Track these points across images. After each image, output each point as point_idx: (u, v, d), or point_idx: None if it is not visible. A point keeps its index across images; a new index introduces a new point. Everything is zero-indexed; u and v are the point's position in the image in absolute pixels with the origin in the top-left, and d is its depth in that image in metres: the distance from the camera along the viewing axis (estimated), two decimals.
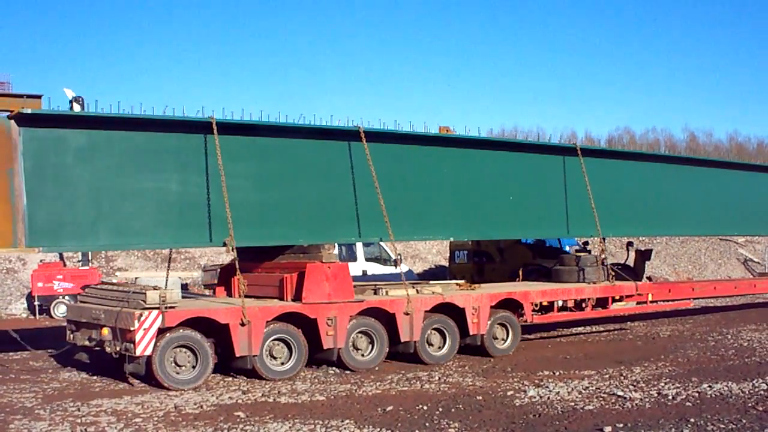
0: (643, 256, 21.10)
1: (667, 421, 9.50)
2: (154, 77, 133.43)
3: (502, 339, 15.58)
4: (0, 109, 11.87)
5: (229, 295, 14.74)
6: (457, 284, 16.11)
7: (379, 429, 9.33)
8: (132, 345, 11.52)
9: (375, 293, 14.64)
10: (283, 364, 12.91)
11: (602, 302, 17.22)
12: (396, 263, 21.81)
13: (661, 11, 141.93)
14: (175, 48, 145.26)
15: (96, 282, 24.60)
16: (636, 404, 10.62)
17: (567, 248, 22.35)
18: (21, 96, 12.00)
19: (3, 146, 11.82)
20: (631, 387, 11.83)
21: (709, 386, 11.70)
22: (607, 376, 12.91)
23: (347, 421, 9.74)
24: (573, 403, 10.69)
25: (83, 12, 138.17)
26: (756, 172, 23.26)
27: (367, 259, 22.90)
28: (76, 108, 27.82)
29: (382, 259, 22.83)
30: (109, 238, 12.60)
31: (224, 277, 15.22)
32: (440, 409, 10.45)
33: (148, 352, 11.56)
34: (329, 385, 12.26)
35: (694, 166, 21.25)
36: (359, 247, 22.46)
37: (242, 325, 12.32)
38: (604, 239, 18.00)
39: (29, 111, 11.68)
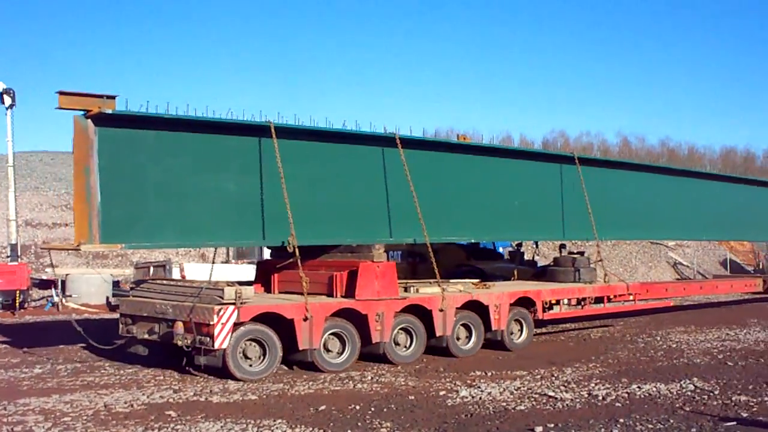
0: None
1: (597, 421, 9.78)
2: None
3: (517, 334, 16.87)
4: (76, 108, 12.31)
5: (267, 291, 15.50)
6: (473, 283, 17.29)
7: (311, 429, 9.46)
8: (209, 338, 12.25)
9: (405, 290, 15.65)
10: (337, 356, 13.82)
11: (599, 301, 18.77)
12: None
13: (595, 16, 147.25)
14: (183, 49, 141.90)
15: (25, 277, 24.72)
16: (567, 405, 10.89)
17: (500, 250, 23.75)
18: (95, 96, 12.36)
19: (81, 145, 12.37)
20: (562, 387, 12.12)
21: (639, 387, 12.10)
22: (538, 376, 13.24)
23: (279, 420, 9.84)
24: (505, 404, 10.93)
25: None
26: (735, 184, 25.57)
27: None
28: (7, 100, 27.63)
29: None
30: (175, 236, 13.31)
31: (261, 273, 15.97)
32: (373, 409, 10.59)
33: (225, 345, 12.32)
34: (261, 384, 12.38)
35: (680, 176, 23.26)
36: None
37: (305, 320, 13.18)
38: (599, 242, 19.53)
39: (109, 111, 12.23)
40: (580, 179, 19.04)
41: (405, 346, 14.86)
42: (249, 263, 23.02)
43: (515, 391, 11.81)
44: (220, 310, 12.27)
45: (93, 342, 13.99)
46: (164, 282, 14.60)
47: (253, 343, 12.87)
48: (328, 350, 13.73)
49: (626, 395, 11.50)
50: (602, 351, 16.32)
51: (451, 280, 16.81)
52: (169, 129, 13.08)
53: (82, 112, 12.29)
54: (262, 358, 12.94)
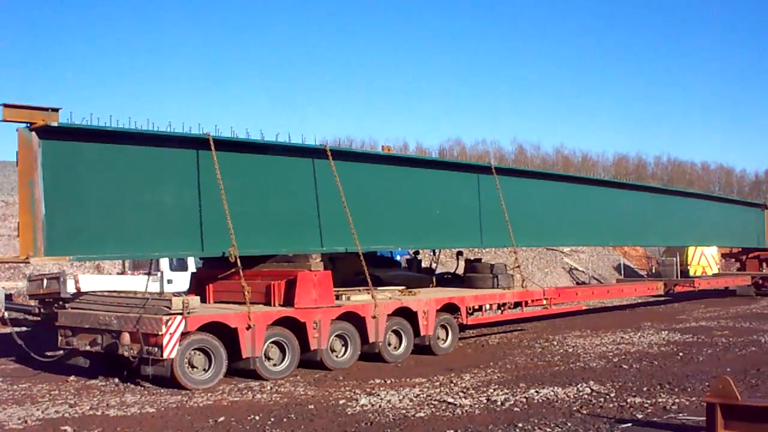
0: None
1: (496, 426, 10.01)
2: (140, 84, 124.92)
3: (443, 339, 17.81)
4: (20, 121, 12.48)
5: (202, 301, 15.84)
6: (399, 290, 18.13)
7: None
8: (157, 348, 12.62)
9: (337, 298, 16.32)
10: (276, 365, 14.38)
11: (518, 305, 19.96)
12: None
13: (486, 24, 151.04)
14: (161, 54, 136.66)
15: None
16: (466, 411, 11.08)
17: (398, 258, 24.77)
18: (39, 108, 12.53)
19: (25, 157, 12.56)
20: (461, 394, 12.34)
21: (536, 391, 12.36)
22: (437, 383, 13.46)
23: None
24: (404, 411, 11.08)
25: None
26: (635, 191, 27.47)
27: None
28: None
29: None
30: (117, 247, 13.63)
31: (195, 284, 16.35)
32: (272, 419, 10.67)
33: (173, 355, 12.71)
34: (159, 397, 12.43)
35: (588, 185, 24.83)
36: (191, 258, 22.92)
37: (248, 328, 13.70)
38: (515, 250, 20.73)
39: (55, 124, 12.48)
40: (496, 188, 20.16)
41: (340, 353, 15.54)
42: (144, 274, 23.39)
43: (414, 398, 12.01)
44: (168, 320, 12.65)
45: (34, 355, 14.05)
46: (105, 294, 14.79)
47: (199, 353, 13.29)
48: (269, 358, 14.27)
49: (524, 400, 11.78)
50: (500, 357, 16.83)
51: (379, 288, 17.58)
52: (110, 141, 13.37)
53: (25, 125, 12.48)
54: (207, 366, 13.37)
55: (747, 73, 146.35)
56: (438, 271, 23.85)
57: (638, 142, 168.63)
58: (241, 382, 13.61)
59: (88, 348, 13.82)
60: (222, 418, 10.75)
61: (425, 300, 17.32)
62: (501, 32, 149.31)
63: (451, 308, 18.06)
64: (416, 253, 24.01)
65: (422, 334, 17.01)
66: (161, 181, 14.03)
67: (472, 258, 23.51)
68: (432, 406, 11.49)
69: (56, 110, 12.69)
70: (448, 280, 21.98)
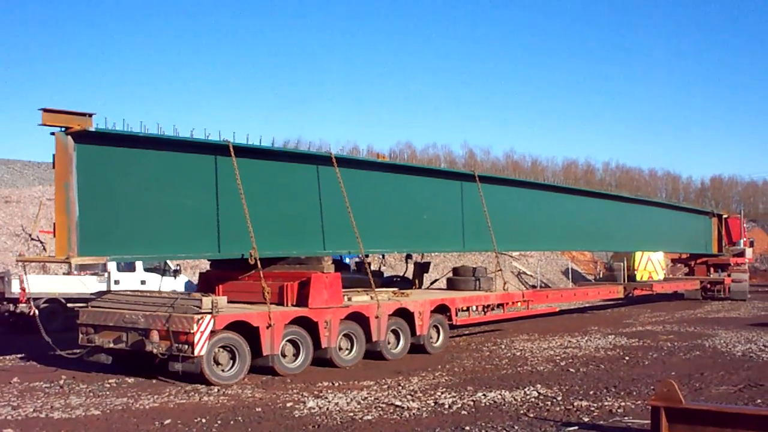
0: (422, 268, 23.30)
1: (443, 429, 10.26)
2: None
3: (435, 339, 18.97)
4: (57, 125, 13.18)
5: None
6: (392, 292, 19.22)
7: None
8: (188, 346, 13.45)
9: None
10: (293, 361, 15.33)
11: (501, 306, 21.30)
12: (175, 274, 24.37)
13: (435, 29, 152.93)
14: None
15: None
16: (413, 413, 11.31)
17: (347, 261, 25.74)
18: (76, 113, 13.23)
19: (62, 161, 13.28)
20: (408, 397, 12.60)
21: (484, 395, 12.64)
22: (385, 386, 13.71)
23: None
24: (352, 414, 11.26)
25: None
26: (604, 200, 29.11)
27: (146, 270, 24.59)
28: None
29: (161, 270, 24.50)
30: (143, 248, 14.45)
31: (204, 284, 17.16)
32: (219, 422, 10.80)
33: (203, 353, 13.56)
34: (105, 399, 12.53)
35: (567, 194, 26.41)
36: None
37: (268, 327, 14.62)
38: (497, 254, 22.05)
39: (92, 129, 13.21)
40: (479, 195, 21.43)
41: (347, 351, 16.56)
42: (92, 275, 24.07)
43: (362, 401, 12.20)
44: (199, 318, 13.50)
45: (60, 351, 14.70)
46: (129, 293, 15.52)
47: (223, 350, 14.16)
48: (284, 355, 15.20)
49: (472, 403, 12.02)
50: (448, 360, 17.28)
51: (377, 289, 18.63)
52: (138, 146, 14.16)
53: (62, 129, 13.20)
54: (231, 363, 14.24)
55: (693, 82, 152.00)
56: (387, 275, 24.81)
57: (587, 148, 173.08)
58: (188, 385, 13.82)
59: (111, 345, 14.54)
60: (168, 421, 10.91)
61: (421, 301, 18.47)
62: (450, 36, 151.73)
63: (443, 309, 19.24)
64: (366, 256, 25.01)
65: (418, 333, 18.14)
66: (183, 184, 14.86)
67: (421, 261, 24.27)
68: (380, 409, 11.70)
69: (90, 115, 13.42)
70: (396, 282, 22.80)
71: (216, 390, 13.36)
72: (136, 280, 24.06)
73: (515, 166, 73.11)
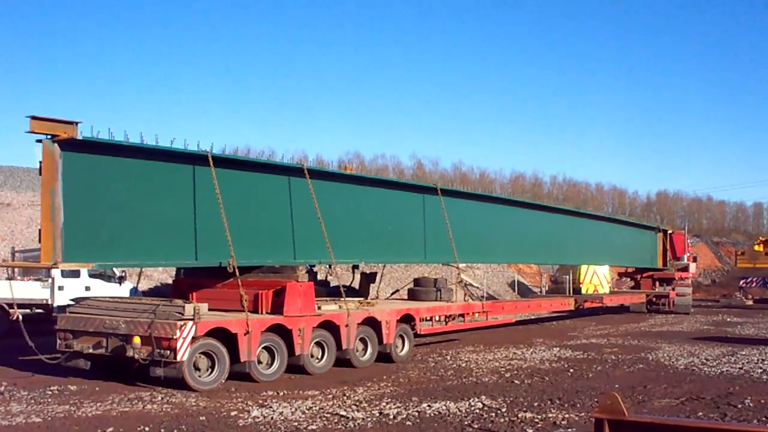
0: (368, 278, 23.20)
1: None
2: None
3: (400, 348, 19.67)
4: (45, 133, 13.56)
5: None
6: (359, 301, 19.87)
7: None
8: (170, 351, 13.91)
9: None
10: (268, 368, 15.85)
11: (461, 317, 22.11)
12: (120, 280, 24.77)
13: (387, 41, 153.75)
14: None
15: None
16: (358, 424, 11.38)
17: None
18: (63, 121, 13.60)
19: (48, 168, 13.65)
20: (353, 407, 12.67)
21: (429, 405, 12.76)
22: (330, 396, 13.85)
23: None
24: (296, 423, 11.32)
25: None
26: (556, 214, 30.28)
27: (91, 276, 24.56)
28: None
29: (106, 276, 24.71)
30: (124, 255, 14.88)
31: (176, 292, 17.57)
32: (162, 430, 10.87)
33: (185, 358, 14.03)
34: (47, 406, 12.53)
35: (522, 208, 27.43)
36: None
37: (245, 334, 15.14)
38: (465, 266, 22.86)
39: (80, 137, 13.62)
40: (440, 208, 22.23)
41: (318, 358, 17.14)
42: (36, 280, 24.20)
43: (307, 411, 12.30)
44: (182, 325, 13.97)
45: (41, 356, 14.99)
46: (108, 299, 15.87)
47: (203, 356, 14.63)
48: (260, 362, 15.72)
49: (417, 414, 12.14)
50: (393, 370, 17.47)
51: (341, 298, 19.25)
52: (121, 155, 14.62)
53: (48, 137, 13.57)
54: (210, 369, 14.72)
55: (639, 97, 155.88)
56: (333, 284, 25.32)
57: (535, 161, 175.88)
58: (132, 392, 13.99)
59: (91, 351, 14.88)
60: (110, 429, 10.96)
61: (388, 310, 19.16)
62: (399, 47, 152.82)
63: (408, 319, 19.95)
64: (312, 266, 25.55)
65: (385, 342, 18.82)
66: (163, 193, 15.35)
67: (368, 272, 24.15)
68: (324, 418, 11.80)
69: (76, 123, 13.82)
70: (344, 292, 23.03)
71: (160, 398, 13.51)
72: (81, 286, 24.06)
73: (463, 178, 74.28)
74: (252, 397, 13.74)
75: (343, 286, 24.29)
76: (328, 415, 12.00)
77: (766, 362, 18.99)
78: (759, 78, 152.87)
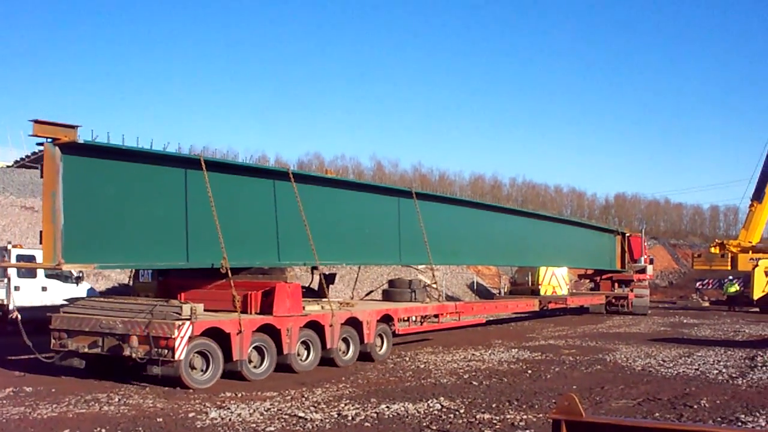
0: (327, 279, 23.74)
1: None
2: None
3: (380, 347, 20.45)
4: (46, 136, 14.04)
5: None
6: (339, 303, 20.59)
7: None
8: (168, 351, 14.49)
9: None
10: (257, 367, 16.49)
11: (436, 317, 22.99)
12: (77, 281, 25.21)
13: (347, 42, 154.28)
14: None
15: None
16: (317, 425, 11.51)
17: None
18: (64, 125, 14.08)
19: (50, 170, 14.14)
20: (312, 408, 12.82)
21: (387, 407, 12.88)
22: (289, 397, 13.98)
23: None
24: (255, 425, 11.42)
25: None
26: (523, 217, 31.41)
27: (48, 276, 24.95)
28: None
29: (63, 276, 25.02)
30: (122, 257, 15.43)
31: (163, 292, 18.07)
32: None
33: (182, 357, 14.62)
34: (1, 408, 12.54)
35: (489, 211, 28.40)
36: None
37: (238, 333, 15.78)
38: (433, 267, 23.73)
39: (81, 141, 14.15)
40: (415, 211, 23.06)
41: (304, 358, 17.84)
42: None
43: (265, 412, 12.42)
44: (180, 324, 14.57)
45: (38, 354, 15.43)
46: (102, 300, 16.36)
47: (198, 355, 15.24)
48: (250, 361, 16.36)
49: (375, 415, 12.27)
50: (352, 371, 17.74)
51: (323, 299, 19.96)
52: (119, 158, 15.14)
53: (50, 140, 14.07)
54: (205, 368, 15.33)
55: (597, 100, 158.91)
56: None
57: (495, 163, 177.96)
58: (88, 394, 14.01)
59: (86, 350, 15.37)
60: (66, 431, 11.05)
61: (369, 311, 19.92)
62: (357, 47, 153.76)
63: (386, 319, 20.74)
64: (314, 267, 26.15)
65: (366, 342, 19.58)
66: (158, 195, 15.94)
67: (327, 273, 24.11)
68: (282, 420, 11.91)
69: (75, 127, 14.33)
70: (303, 293, 23.73)
71: (117, 399, 13.63)
72: (37, 286, 24.40)
73: (423, 180, 75.17)
74: (210, 398, 13.95)
75: (303, 287, 24.97)
76: (287, 417, 12.19)
77: (721, 363, 19.61)
78: (716, 83, 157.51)
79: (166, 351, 14.54)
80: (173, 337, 14.49)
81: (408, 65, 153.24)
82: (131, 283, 25.26)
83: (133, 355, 14.76)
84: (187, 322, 14.73)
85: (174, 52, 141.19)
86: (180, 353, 14.57)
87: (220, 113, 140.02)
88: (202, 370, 15.31)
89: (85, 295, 24.29)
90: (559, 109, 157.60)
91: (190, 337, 14.82)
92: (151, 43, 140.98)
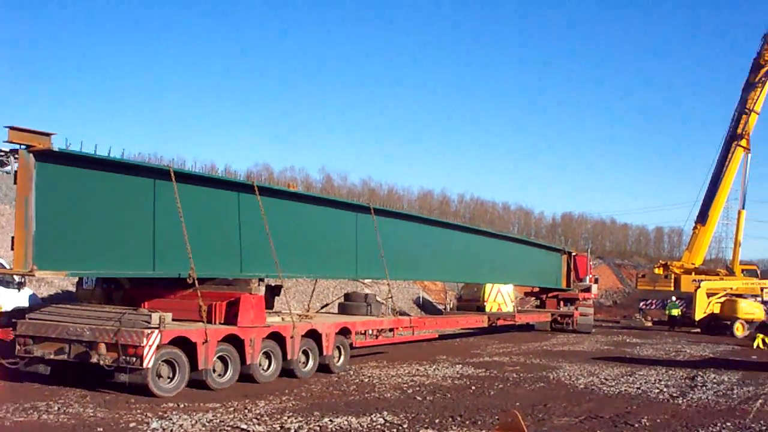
0: (273, 291, 23.13)
1: None
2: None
3: (338, 358, 20.95)
4: (21, 143, 14.30)
5: None
6: (298, 315, 21.05)
7: None
8: (136, 359, 14.82)
9: None
10: (221, 377, 16.88)
11: (391, 331, 23.59)
12: (19, 286, 25.28)
13: (298, 54, 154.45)
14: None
15: None
16: None
17: None
18: (39, 133, 14.35)
19: (23, 177, 14.41)
20: (255, 420, 12.82)
21: (331, 420, 12.99)
22: (231, 409, 14.06)
23: None
24: None
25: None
26: (474, 234, 32.22)
27: None
28: None
29: (5, 282, 24.53)
30: (93, 264, 15.68)
31: (128, 301, 18.31)
32: None
33: (150, 365, 14.95)
34: None
35: (444, 228, 29.12)
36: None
37: (203, 343, 16.16)
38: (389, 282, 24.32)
39: (57, 149, 14.44)
40: (373, 226, 23.66)
41: (266, 368, 18.26)
42: None
43: (207, 424, 12.42)
44: (149, 333, 14.90)
45: (2, 361, 15.57)
46: (69, 307, 16.54)
47: (165, 364, 15.57)
48: (214, 371, 16.74)
49: (318, 428, 12.39)
50: (296, 384, 17.87)
51: (283, 311, 20.40)
52: (91, 167, 15.44)
53: (24, 147, 14.33)
54: (171, 376, 15.67)
55: (547, 121, 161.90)
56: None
57: (443, 180, 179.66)
58: (27, 402, 14.01)
59: (52, 357, 15.59)
60: None
61: (328, 323, 20.43)
62: (310, 58, 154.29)
63: (345, 332, 21.26)
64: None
65: (325, 353, 20.06)
66: (127, 205, 16.24)
67: (273, 284, 23.90)
68: (224, 431, 12.09)
69: (49, 135, 14.62)
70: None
71: (56, 408, 13.61)
72: None
73: (372, 194, 75.62)
74: (152, 408, 14.00)
75: None
76: (229, 428, 12.22)
77: (662, 382, 20.19)
78: (663, 104, 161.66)
79: (135, 359, 14.85)
80: (142, 345, 14.81)
81: (358, 79, 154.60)
82: (76, 289, 25.36)
83: (101, 363, 15.03)
84: (156, 331, 15.07)
85: (126, 62, 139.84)
86: (148, 361, 14.90)
87: (168, 122, 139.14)
88: (168, 378, 15.65)
89: (27, 301, 24.20)
90: (508, 127, 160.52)
91: (158, 346, 15.15)
92: (102, 52, 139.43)
